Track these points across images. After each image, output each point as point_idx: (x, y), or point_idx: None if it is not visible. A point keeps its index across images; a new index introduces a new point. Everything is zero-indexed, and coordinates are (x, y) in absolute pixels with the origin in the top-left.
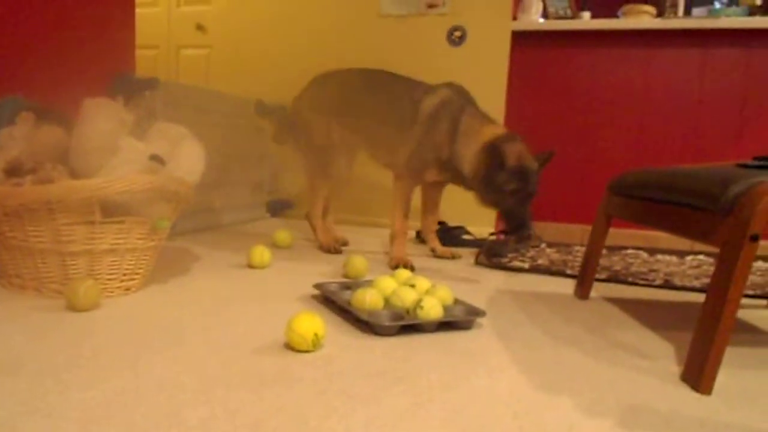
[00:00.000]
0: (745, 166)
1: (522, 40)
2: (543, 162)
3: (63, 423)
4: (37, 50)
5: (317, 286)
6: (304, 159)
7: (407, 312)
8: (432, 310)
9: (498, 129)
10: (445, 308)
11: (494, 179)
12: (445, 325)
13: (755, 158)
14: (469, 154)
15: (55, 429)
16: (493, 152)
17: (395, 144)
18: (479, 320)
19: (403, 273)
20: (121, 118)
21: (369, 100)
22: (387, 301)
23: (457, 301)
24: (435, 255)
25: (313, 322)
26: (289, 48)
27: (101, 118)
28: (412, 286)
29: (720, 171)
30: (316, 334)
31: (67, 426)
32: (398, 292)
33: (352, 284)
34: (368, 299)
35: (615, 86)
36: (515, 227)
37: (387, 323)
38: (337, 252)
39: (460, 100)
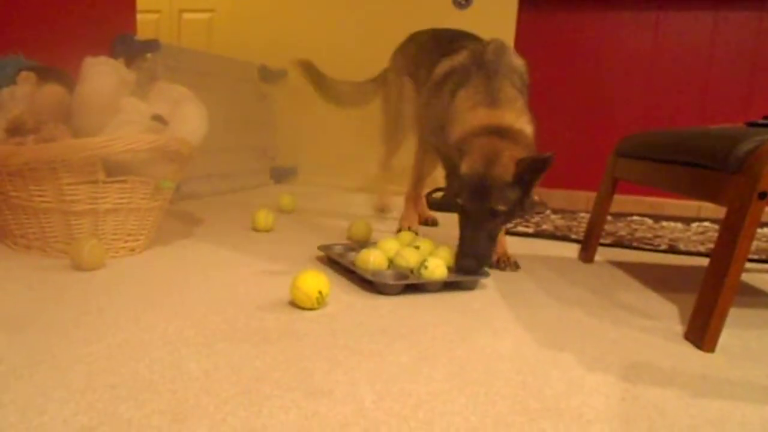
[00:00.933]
0: (755, 125)
1: (529, 2)
2: (532, 170)
3: (69, 374)
4: (38, 10)
5: (322, 247)
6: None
7: (411, 272)
8: (437, 270)
9: (494, 116)
10: (449, 269)
11: (451, 184)
12: (450, 285)
13: (765, 117)
14: (451, 141)
15: (62, 380)
16: (456, 150)
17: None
18: (483, 281)
19: (407, 235)
20: (123, 77)
21: (421, 62)
22: (391, 262)
23: None
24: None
25: (317, 280)
26: (291, 12)
27: (103, 77)
28: (416, 247)
29: (729, 130)
30: (320, 292)
31: (73, 377)
32: (402, 253)
33: (356, 246)
34: (372, 259)
35: (623, 50)
36: (457, 255)
37: (391, 282)
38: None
39: (473, 66)
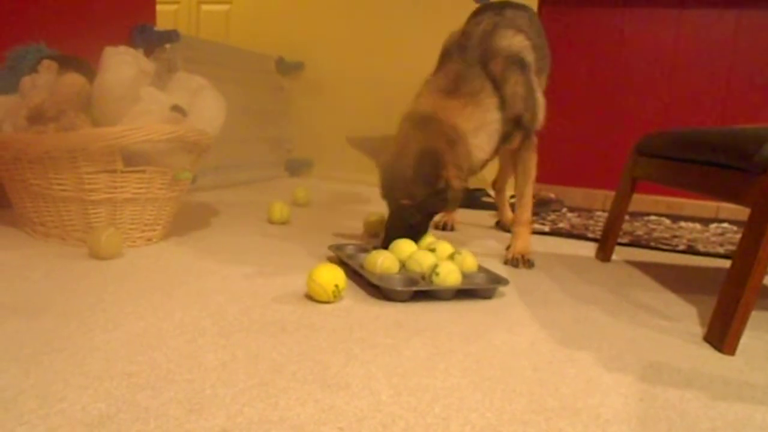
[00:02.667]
0: None
1: None
2: (428, 168)
3: (87, 361)
4: (60, 0)
5: (333, 247)
6: None
7: (423, 278)
8: (449, 276)
9: (439, 105)
10: (466, 275)
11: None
12: (464, 293)
13: None
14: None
15: (80, 366)
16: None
17: None
18: (502, 289)
19: (426, 237)
20: (142, 67)
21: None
22: (404, 266)
23: (480, 269)
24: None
25: (334, 274)
26: (309, 4)
27: (123, 67)
28: (433, 250)
29: (753, 129)
30: (336, 286)
31: (91, 363)
32: (415, 256)
33: (369, 248)
34: (380, 262)
35: (644, 47)
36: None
37: (399, 288)
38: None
39: (456, 50)
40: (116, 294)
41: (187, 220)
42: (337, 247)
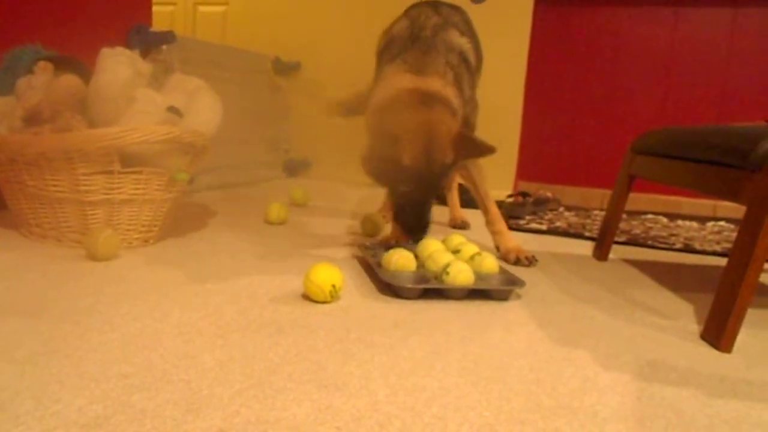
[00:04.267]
0: None
1: None
2: (468, 150)
3: (84, 362)
4: (56, 1)
5: (362, 248)
6: None
7: (435, 277)
8: (459, 275)
9: (419, 81)
10: (483, 277)
11: (385, 170)
12: (478, 294)
13: None
14: (373, 108)
15: (76, 367)
16: (389, 136)
17: None
18: (518, 291)
19: (456, 237)
20: (138, 68)
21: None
22: (423, 264)
23: (501, 271)
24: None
25: (330, 274)
26: (305, 4)
27: (119, 68)
28: (457, 251)
29: (750, 128)
30: (333, 286)
31: (87, 364)
32: (434, 256)
33: (395, 245)
34: (396, 259)
35: (640, 45)
36: (403, 227)
37: (409, 285)
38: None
39: (408, 41)
40: (113, 295)
41: (185, 221)
42: (366, 247)
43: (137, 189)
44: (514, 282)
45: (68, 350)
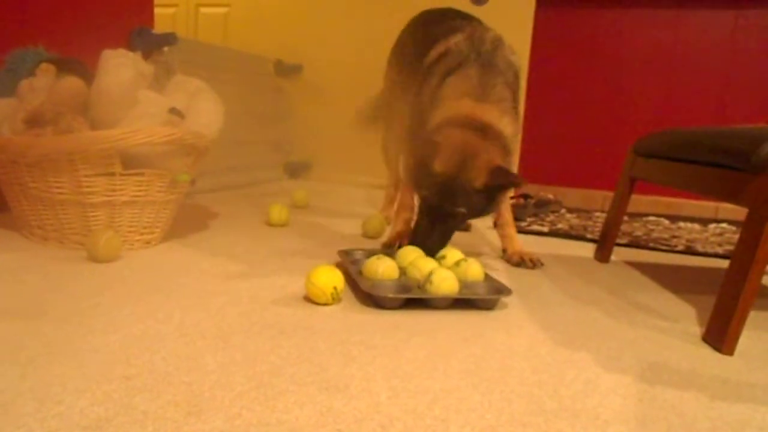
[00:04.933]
0: None
1: None
2: (501, 184)
3: (85, 363)
4: (58, 3)
5: (341, 253)
6: None
7: (418, 285)
8: (442, 283)
9: (478, 109)
10: (468, 285)
11: (417, 176)
12: (463, 303)
13: None
14: (429, 127)
15: (78, 370)
16: (430, 142)
17: None
18: (504, 300)
19: None
20: (140, 70)
21: (414, 54)
22: (404, 272)
23: (487, 278)
24: None
25: (332, 276)
26: (307, 7)
27: (120, 70)
28: (442, 257)
29: (751, 130)
30: (335, 288)
31: (89, 366)
32: (416, 263)
33: (378, 252)
34: (381, 270)
35: (642, 47)
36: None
37: (391, 295)
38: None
39: (470, 53)
40: (114, 297)
41: (186, 223)
42: (346, 253)
43: (139, 191)
44: (500, 290)
45: (70, 352)
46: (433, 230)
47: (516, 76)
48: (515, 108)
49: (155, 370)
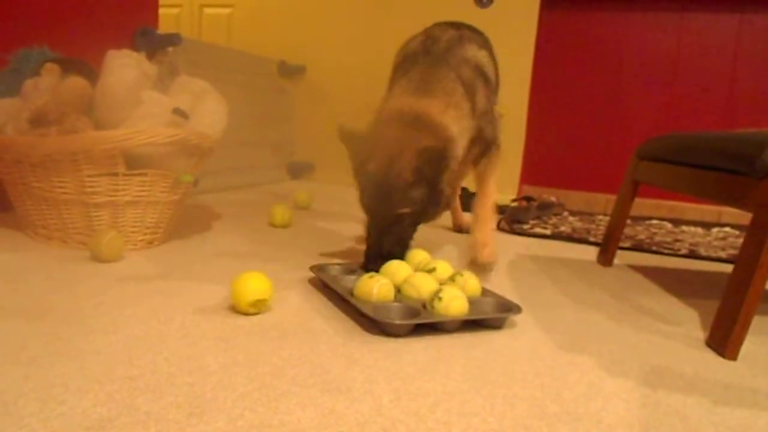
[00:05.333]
0: None
1: (551, 1)
2: (431, 163)
3: (88, 364)
4: (63, 3)
5: (315, 268)
6: None
7: (424, 306)
8: (452, 302)
9: (417, 104)
10: (472, 302)
11: (358, 181)
12: (471, 323)
13: None
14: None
15: (80, 369)
16: (368, 143)
17: None
18: (514, 319)
19: (418, 254)
20: (144, 71)
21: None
22: (399, 291)
23: (485, 292)
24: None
25: (257, 285)
26: (311, 7)
27: (125, 70)
28: (431, 271)
29: (756, 134)
30: (258, 300)
31: (92, 366)
32: (412, 280)
33: (357, 268)
34: (377, 291)
35: (646, 51)
36: (364, 257)
37: (398, 321)
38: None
39: (420, 55)
40: (117, 297)
41: (189, 224)
42: (320, 268)
43: (142, 191)
44: (509, 308)
45: (73, 352)
46: (382, 240)
47: (478, 71)
48: (473, 98)
49: (157, 371)
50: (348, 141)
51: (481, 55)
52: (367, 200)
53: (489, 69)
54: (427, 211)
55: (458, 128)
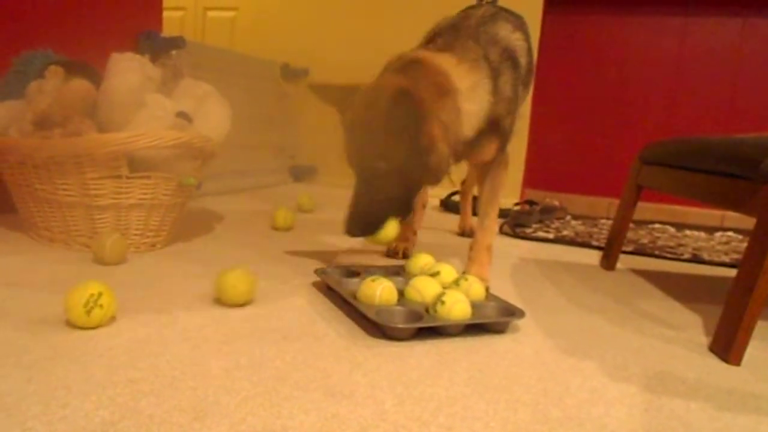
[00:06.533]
0: None
1: (554, 4)
2: (408, 111)
3: (91, 367)
4: (67, 6)
5: (320, 272)
6: None
7: (427, 310)
8: (455, 306)
9: (426, 54)
10: (475, 306)
11: None
12: (474, 327)
13: None
14: None
15: (83, 373)
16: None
17: None
18: (517, 323)
19: (421, 258)
20: (148, 74)
21: None
22: (402, 295)
23: (489, 296)
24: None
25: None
26: (314, 11)
27: (128, 73)
28: (435, 274)
29: (759, 139)
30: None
31: (94, 370)
32: (415, 284)
33: (362, 270)
34: (380, 293)
35: (649, 55)
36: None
37: (402, 325)
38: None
39: (450, 29)
40: (119, 300)
41: (192, 227)
42: (324, 272)
43: (145, 194)
44: (512, 312)
45: (75, 355)
46: (361, 200)
47: (507, 55)
48: (495, 76)
49: (160, 374)
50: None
51: (515, 38)
52: (346, 153)
53: (521, 54)
54: (412, 171)
55: (468, 84)
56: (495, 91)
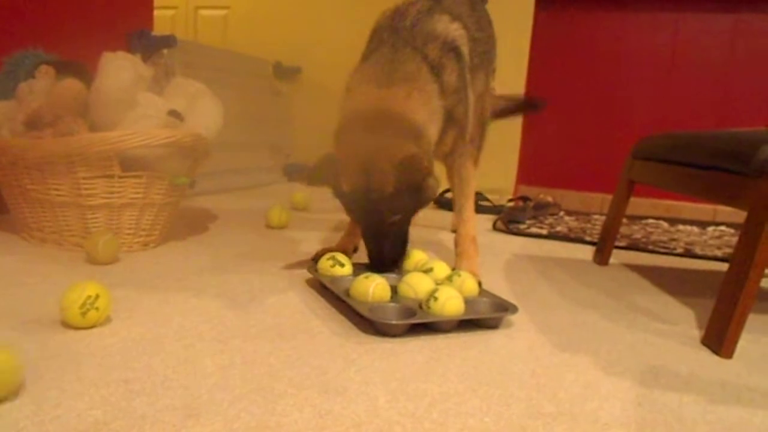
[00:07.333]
0: None
1: (546, 1)
2: (409, 175)
3: (83, 367)
4: (58, 5)
5: (312, 269)
6: None
7: (420, 306)
8: (448, 302)
9: (380, 97)
10: (468, 302)
11: (336, 191)
12: (467, 323)
13: None
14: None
15: (76, 373)
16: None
17: None
18: (510, 318)
19: (415, 254)
20: (140, 73)
21: None
22: (395, 292)
23: (482, 292)
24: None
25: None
26: (306, 9)
27: (120, 72)
28: (428, 271)
29: (750, 133)
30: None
31: (88, 371)
32: (408, 280)
33: (354, 269)
34: (372, 290)
35: (641, 51)
36: (369, 263)
37: (394, 321)
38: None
39: (387, 32)
40: (113, 300)
41: (185, 226)
42: (316, 269)
43: (138, 193)
44: (505, 308)
45: (68, 355)
46: (379, 245)
47: (447, 47)
48: (440, 79)
49: (153, 374)
50: (320, 173)
51: (453, 28)
52: (355, 214)
53: (462, 43)
54: (418, 208)
55: (424, 115)
56: (441, 89)
